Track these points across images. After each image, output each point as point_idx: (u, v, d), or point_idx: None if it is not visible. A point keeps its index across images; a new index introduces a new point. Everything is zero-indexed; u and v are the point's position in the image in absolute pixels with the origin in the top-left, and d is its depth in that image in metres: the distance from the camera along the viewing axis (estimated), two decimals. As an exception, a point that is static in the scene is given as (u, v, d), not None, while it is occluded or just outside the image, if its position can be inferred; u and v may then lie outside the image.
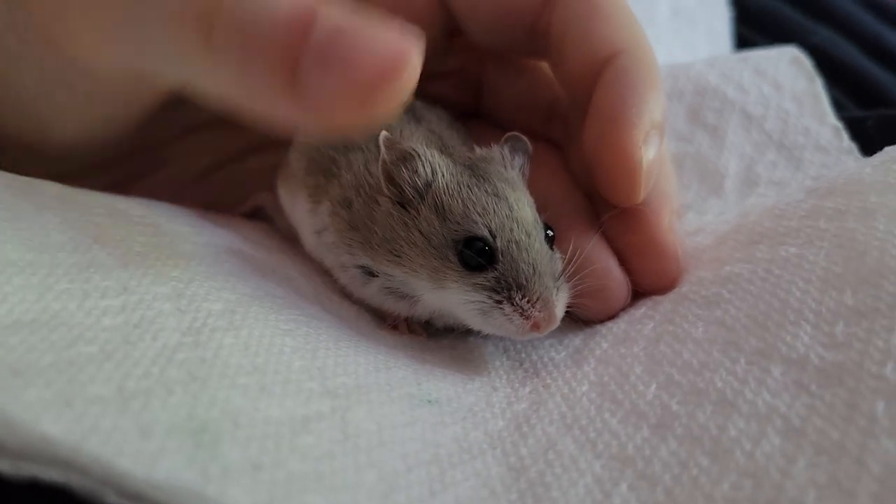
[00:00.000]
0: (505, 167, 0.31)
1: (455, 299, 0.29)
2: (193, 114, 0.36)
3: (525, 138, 0.32)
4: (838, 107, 0.42)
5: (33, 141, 0.34)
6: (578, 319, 0.31)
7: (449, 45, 0.37)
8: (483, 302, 0.28)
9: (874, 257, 0.24)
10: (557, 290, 0.29)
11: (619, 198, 0.31)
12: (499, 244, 0.28)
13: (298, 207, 0.34)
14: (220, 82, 0.25)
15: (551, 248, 0.30)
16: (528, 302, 0.28)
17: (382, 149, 0.29)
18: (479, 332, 0.31)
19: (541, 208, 0.31)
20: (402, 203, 0.29)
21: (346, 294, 0.32)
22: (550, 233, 0.30)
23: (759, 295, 0.26)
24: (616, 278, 0.31)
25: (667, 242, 0.31)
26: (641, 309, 0.30)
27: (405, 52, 0.23)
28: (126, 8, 0.25)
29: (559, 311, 0.28)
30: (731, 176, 0.40)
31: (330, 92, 0.23)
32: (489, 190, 0.29)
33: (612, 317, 0.31)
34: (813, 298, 0.24)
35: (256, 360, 0.22)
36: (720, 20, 0.61)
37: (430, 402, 0.25)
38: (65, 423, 0.17)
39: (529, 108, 0.37)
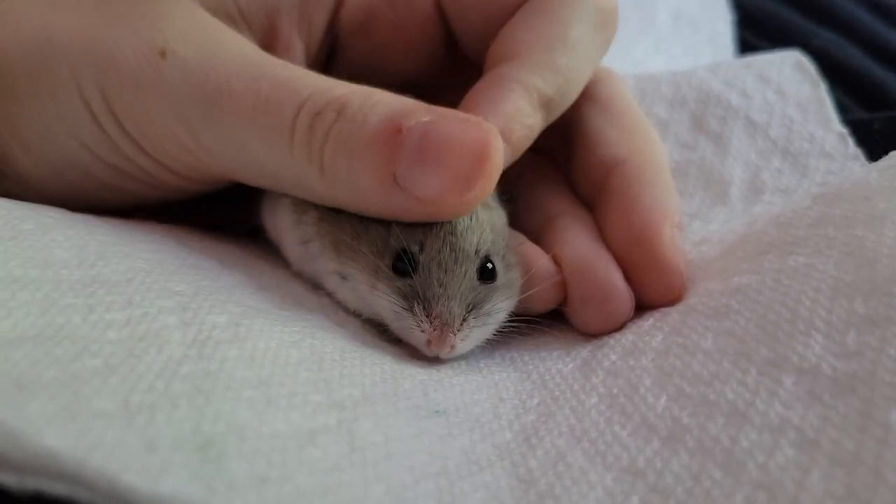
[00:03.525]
0: None
1: (381, 301, 0.29)
2: None
3: None
4: (843, 109, 0.42)
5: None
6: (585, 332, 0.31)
7: (451, 59, 0.37)
8: (397, 304, 0.29)
9: (885, 265, 0.24)
10: (465, 320, 0.29)
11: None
12: (422, 259, 0.29)
13: (281, 218, 0.34)
14: (333, 193, 0.28)
15: (490, 281, 0.30)
16: (426, 316, 0.28)
17: None
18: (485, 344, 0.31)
19: (543, 221, 0.32)
20: None
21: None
22: (490, 265, 0.30)
23: (768, 305, 0.25)
24: (619, 289, 0.31)
25: (669, 258, 0.31)
26: (649, 321, 0.30)
27: (490, 133, 0.26)
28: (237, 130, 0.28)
29: (459, 342, 0.29)
30: (736, 183, 0.39)
31: (433, 185, 0.26)
32: None
33: (617, 329, 0.31)
34: (823, 307, 0.24)
35: (262, 372, 0.22)
36: (722, 24, 0.61)
37: (437, 412, 0.25)
38: (69, 437, 0.17)
39: None
